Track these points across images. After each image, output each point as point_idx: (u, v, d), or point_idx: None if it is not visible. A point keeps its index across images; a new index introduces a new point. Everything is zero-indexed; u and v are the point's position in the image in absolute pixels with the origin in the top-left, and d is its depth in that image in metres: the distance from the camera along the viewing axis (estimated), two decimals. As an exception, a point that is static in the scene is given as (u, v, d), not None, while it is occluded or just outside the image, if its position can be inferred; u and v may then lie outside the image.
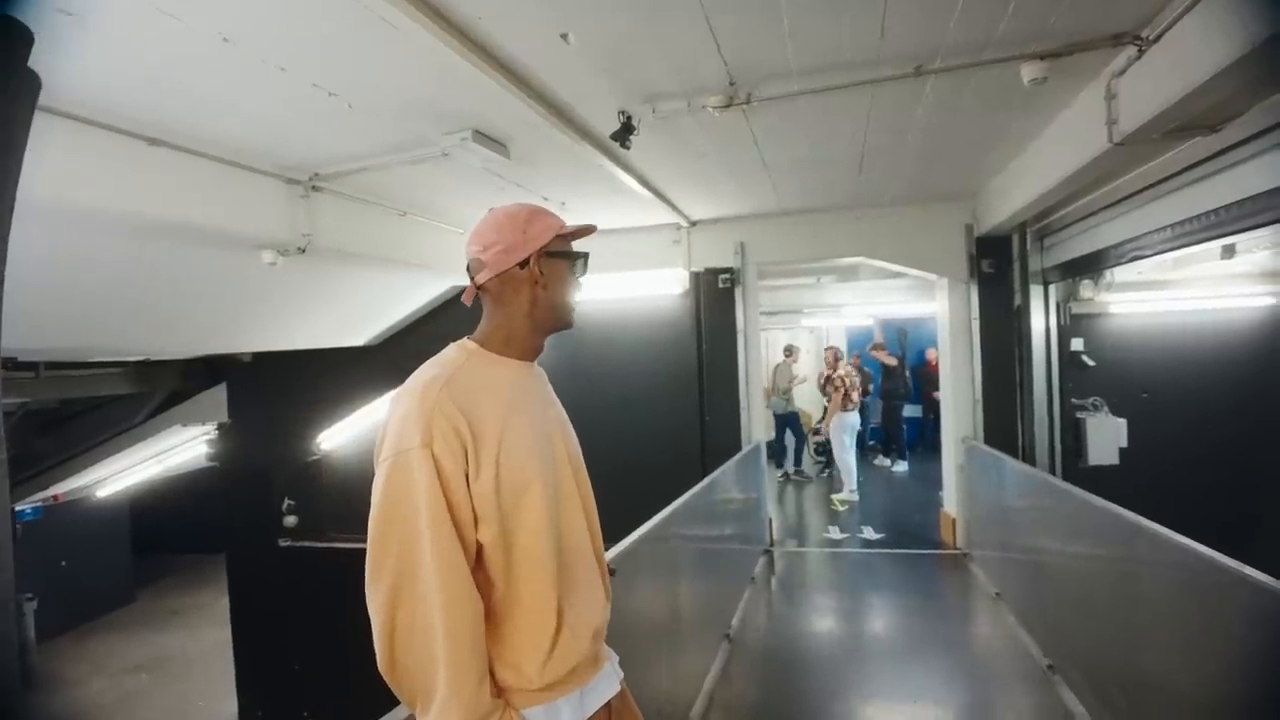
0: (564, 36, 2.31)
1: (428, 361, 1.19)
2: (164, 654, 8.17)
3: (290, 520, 6.56)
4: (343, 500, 6.56)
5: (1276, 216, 2.72)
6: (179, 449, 7.73)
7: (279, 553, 6.63)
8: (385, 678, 1.02)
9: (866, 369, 9.04)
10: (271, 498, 6.75)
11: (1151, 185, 3.53)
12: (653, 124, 3.14)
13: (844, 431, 7.40)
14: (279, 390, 6.69)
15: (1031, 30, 2.43)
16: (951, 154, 4.06)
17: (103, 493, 8.37)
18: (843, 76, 2.75)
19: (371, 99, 2.77)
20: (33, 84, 0.78)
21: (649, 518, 2.67)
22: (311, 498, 6.63)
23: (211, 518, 8.32)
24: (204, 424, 7.06)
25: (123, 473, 8.10)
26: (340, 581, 6.40)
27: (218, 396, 6.99)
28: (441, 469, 1.03)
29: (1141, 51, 2.45)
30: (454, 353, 1.20)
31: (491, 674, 1.06)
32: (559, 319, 1.26)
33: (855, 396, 7.41)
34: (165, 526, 11.03)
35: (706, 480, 3.77)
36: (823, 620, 4.37)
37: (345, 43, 2.29)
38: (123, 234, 3.21)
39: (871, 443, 10.04)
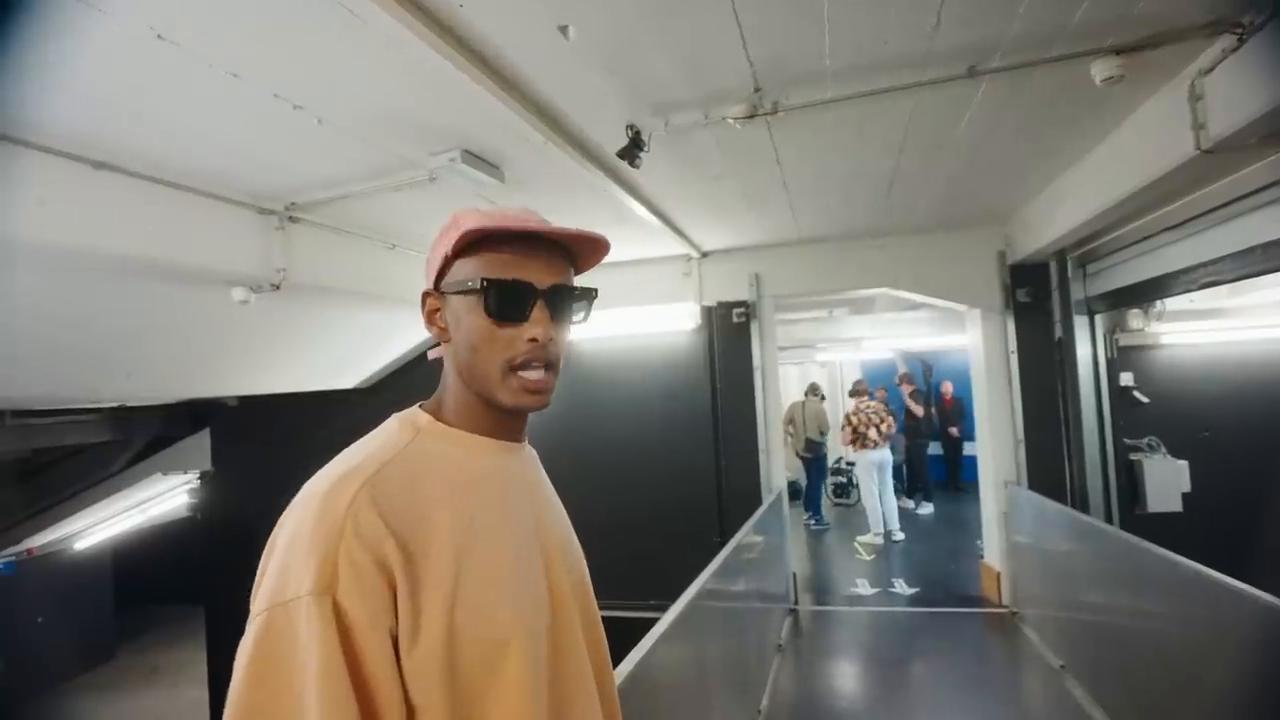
0: (563, 29, 1.96)
1: (355, 443, 0.78)
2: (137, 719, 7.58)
3: (272, 577, 6.04)
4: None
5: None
6: (160, 499, 7.28)
7: (260, 612, 6.11)
8: None
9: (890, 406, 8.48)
10: (255, 551, 6.24)
11: (1223, 205, 3.14)
12: (663, 139, 2.78)
13: (867, 471, 6.97)
14: (266, 436, 6.26)
15: (1112, 18, 2.07)
16: (990, 173, 3.69)
17: (81, 545, 7.89)
18: (885, 79, 2.39)
19: (343, 112, 2.42)
20: None
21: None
22: (296, 552, 6.13)
23: (196, 567, 7.86)
24: (185, 472, 6.64)
25: (102, 524, 7.64)
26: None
27: (201, 443, 6.57)
28: (351, 629, 0.62)
29: (1242, 41, 2.09)
30: (394, 427, 0.79)
31: None
32: (477, 386, 0.79)
33: (875, 435, 6.95)
34: (149, 577, 10.48)
35: (735, 540, 3.31)
36: (864, 696, 3.83)
37: (305, 42, 1.94)
38: (71, 270, 2.86)
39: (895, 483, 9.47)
